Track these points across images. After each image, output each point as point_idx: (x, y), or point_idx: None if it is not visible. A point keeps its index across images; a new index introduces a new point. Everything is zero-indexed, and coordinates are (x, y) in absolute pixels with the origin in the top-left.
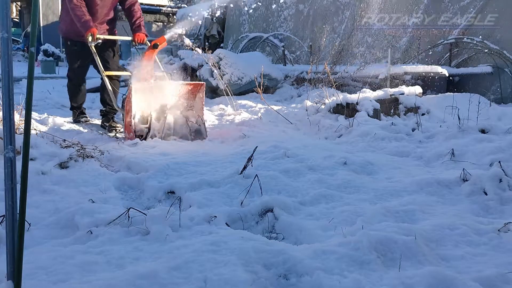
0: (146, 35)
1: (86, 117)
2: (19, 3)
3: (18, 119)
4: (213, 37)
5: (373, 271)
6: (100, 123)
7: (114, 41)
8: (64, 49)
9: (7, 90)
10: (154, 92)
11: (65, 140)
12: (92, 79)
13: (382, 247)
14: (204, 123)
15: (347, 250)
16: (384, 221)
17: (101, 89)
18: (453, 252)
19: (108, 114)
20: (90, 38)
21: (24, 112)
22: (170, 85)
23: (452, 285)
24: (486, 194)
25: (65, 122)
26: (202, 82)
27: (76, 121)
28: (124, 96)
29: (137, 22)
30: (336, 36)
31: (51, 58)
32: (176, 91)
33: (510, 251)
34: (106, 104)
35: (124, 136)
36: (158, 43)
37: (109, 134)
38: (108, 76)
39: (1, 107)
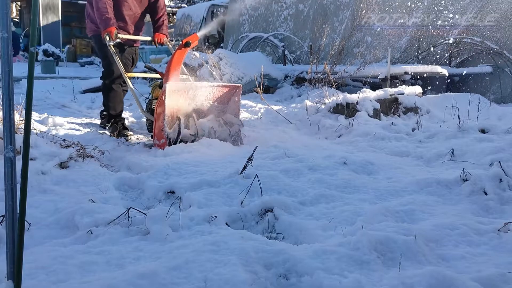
0: (167, 36)
1: (131, 134)
2: (19, 3)
3: (18, 119)
4: (213, 37)
5: (373, 271)
6: (99, 123)
7: (136, 51)
8: (97, 47)
9: (7, 90)
10: (189, 94)
11: (65, 140)
12: (92, 79)
13: (382, 247)
14: (240, 129)
15: (347, 250)
16: (384, 221)
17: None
18: (453, 252)
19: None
20: (107, 37)
21: (24, 112)
22: (206, 87)
23: (452, 285)
24: (486, 194)
25: (65, 122)
26: (239, 85)
27: (118, 135)
28: (147, 99)
29: (160, 20)
30: (336, 36)
31: (51, 58)
32: (210, 94)
33: (510, 251)
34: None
35: (154, 144)
36: (190, 41)
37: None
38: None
39: (1, 107)
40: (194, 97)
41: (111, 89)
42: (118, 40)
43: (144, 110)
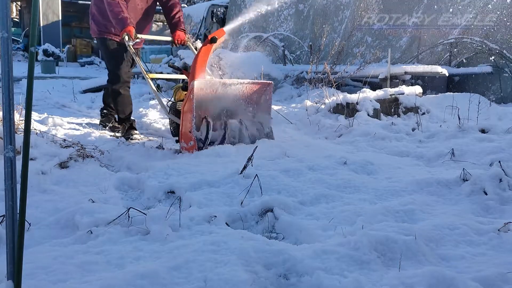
0: (186, 32)
1: (137, 133)
2: (19, 3)
3: (18, 119)
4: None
5: (373, 271)
6: (98, 122)
7: (137, 51)
8: (103, 50)
9: (7, 90)
10: (217, 92)
11: (65, 140)
12: (92, 79)
13: (382, 247)
14: (271, 130)
15: (347, 250)
16: (384, 221)
17: (106, 90)
18: (453, 252)
19: (109, 115)
20: (126, 37)
21: (24, 112)
22: (236, 84)
23: (452, 285)
24: (486, 194)
25: (65, 122)
26: (270, 82)
27: (126, 137)
28: (170, 102)
29: (177, 16)
30: (336, 36)
31: (51, 58)
32: (239, 92)
33: (510, 251)
34: (108, 106)
35: (181, 147)
36: (216, 37)
37: (112, 134)
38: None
39: (1, 107)
40: (222, 95)
41: (118, 93)
42: (138, 40)
43: (169, 112)
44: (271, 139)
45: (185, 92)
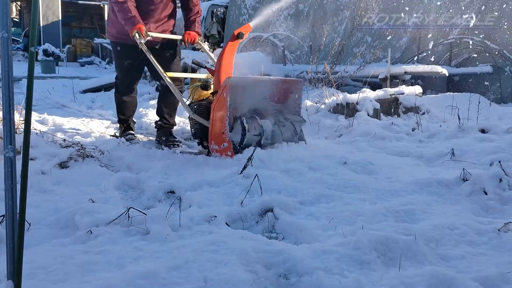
0: (199, 34)
1: (133, 134)
2: (19, 2)
3: (18, 119)
4: (213, 37)
5: (373, 270)
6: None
7: (174, 42)
8: (113, 55)
9: (7, 90)
10: (247, 90)
11: (65, 140)
12: (92, 79)
13: (382, 247)
14: (302, 131)
15: (347, 249)
16: (384, 221)
17: (159, 99)
18: (453, 252)
19: (162, 128)
20: (137, 36)
21: (24, 112)
22: (266, 82)
23: (452, 285)
24: (486, 194)
25: (65, 122)
26: (299, 79)
27: (121, 137)
28: (194, 107)
29: (192, 17)
30: (336, 36)
31: (51, 58)
32: (268, 90)
33: (510, 251)
34: (163, 118)
35: (212, 149)
36: (243, 32)
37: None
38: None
39: (1, 107)
40: (252, 93)
41: (123, 101)
42: (149, 38)
43: (193, 112)
44: (302, 141)
45: (205, 92)
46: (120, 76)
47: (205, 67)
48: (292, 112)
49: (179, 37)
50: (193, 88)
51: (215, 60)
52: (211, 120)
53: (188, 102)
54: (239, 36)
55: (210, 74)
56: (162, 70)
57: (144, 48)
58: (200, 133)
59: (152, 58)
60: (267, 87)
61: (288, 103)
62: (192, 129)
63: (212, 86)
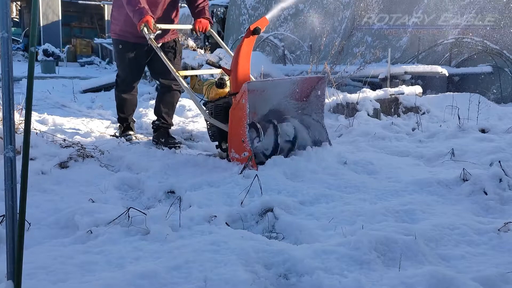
0: (211, 22)
1: (132, 134)
2: (19, 2)
3: (18, 119)
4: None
5: (373, 270)
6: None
7: (175, 41)
8: (114, 53)
9: (7, 90)
10: (264, 93)
11: (65, 140)
12: (92, 79)
13: (382, 247)
14: (326, 130)
15: (347, 249)
16: (384, 221)
17: (158, 98)
18: (453, 252)
19: (160, 129)
20: (146, 30)
21: (24, 112)
22: (286, 83)
23: (452, 284)
24: (486, 194)
25: (65, 122)
26: (322, 76)
27: (121, 136)
28: (202, 101)
29: (201, 5)
30: (336, 36)
31: (51, 58)
32: (288, 90)
33: (510, 251)
34: (161, 117)
35: (232, 158)
36: (259, 27)
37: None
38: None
39: (1, 107)
40: (270, 95)
41: (123, 99)
42: (159, 32)
43: (210, 117)
44: (328, 142)
45: (220, 90)
46: (121, 73)
47: (221, 67)
48: (314, 110)
49: (189, 26)
50: (208, 85)
51: (231, 53)
52: (230, 126)
53: (202, 102)
54: (256, 31)
55: (227, 75)
56: (174, 69)
57: (154, 45)
58: (219, 136)
59: (162, 55)
60: (286, 88)
61: (310, 100)
62: (209, 132)
63: (228, 83)
